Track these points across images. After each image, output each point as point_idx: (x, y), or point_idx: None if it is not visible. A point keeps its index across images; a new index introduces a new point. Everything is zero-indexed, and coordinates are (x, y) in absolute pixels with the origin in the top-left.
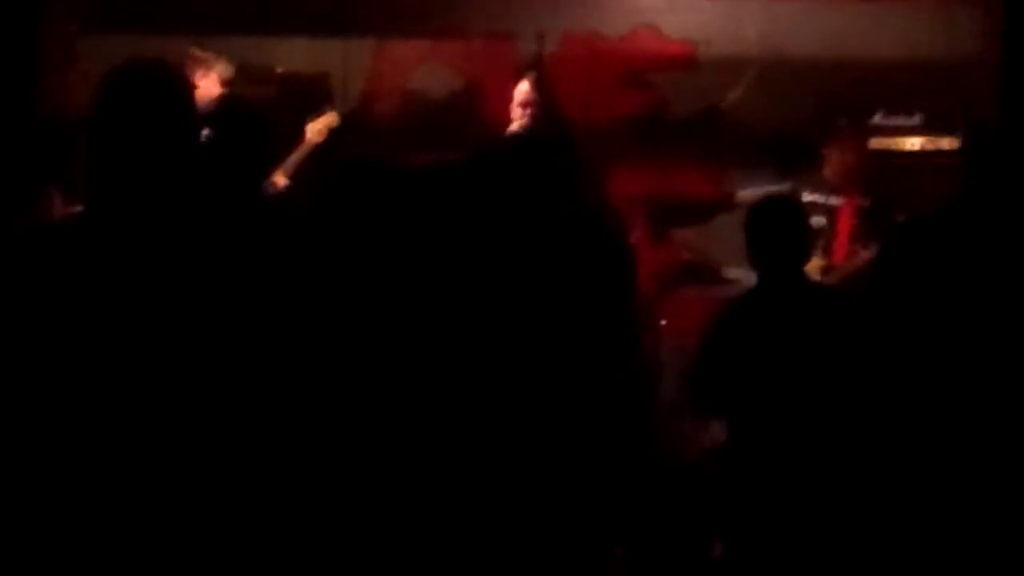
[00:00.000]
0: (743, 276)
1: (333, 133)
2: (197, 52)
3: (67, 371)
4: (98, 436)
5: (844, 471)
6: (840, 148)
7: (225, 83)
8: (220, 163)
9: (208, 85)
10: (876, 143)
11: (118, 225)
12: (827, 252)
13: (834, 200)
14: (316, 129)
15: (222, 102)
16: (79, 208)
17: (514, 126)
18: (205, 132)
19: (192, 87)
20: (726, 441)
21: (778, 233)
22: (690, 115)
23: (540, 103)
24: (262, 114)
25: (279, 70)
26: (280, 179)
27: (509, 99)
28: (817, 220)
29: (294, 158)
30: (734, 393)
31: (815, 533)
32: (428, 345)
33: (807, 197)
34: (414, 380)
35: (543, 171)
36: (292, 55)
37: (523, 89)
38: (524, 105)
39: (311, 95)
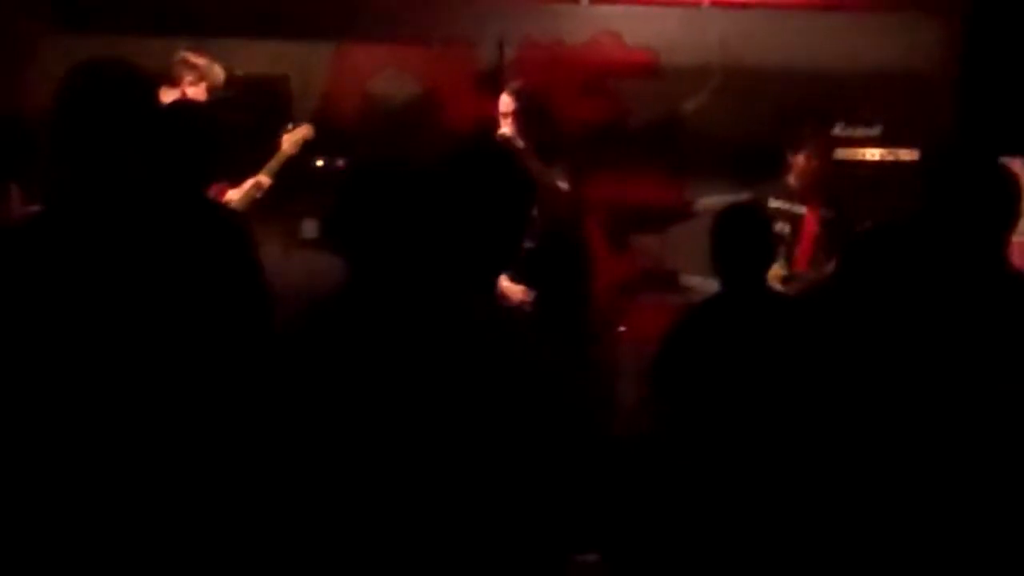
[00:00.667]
0: (701, 284)
1: (307, 144)
2: (191, 57)
3: (17, 367)
4: (45, 432)
5: (798, 477)
6: (806, 156)
7: (212, 91)
8: (165, 166)
9: (199, 92)
10: (836, 153)
11: (76, 224)
12: (789, 260)
13: (799, 208)
14: (292, 141)
15: (169, 106)
16: (37, 207)
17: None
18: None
19: (154, 87)
20: (676, 442)
21: (743, 241)
22: (650, 123)
23: (520, 113)
24: (209, 117)
25: (238, 72)
26: (264, 179)
27: (467, 105)
28: (781, 227)
29: (271, 165)
30: (692, 397)
31: (772, 539)
32: (400, 343)
33: (773, 203)
34: (375, 381)
35: (500, 176)
36: (251, 58)
37: (504, 100)
38: (504, 116)
39: (270, 98)
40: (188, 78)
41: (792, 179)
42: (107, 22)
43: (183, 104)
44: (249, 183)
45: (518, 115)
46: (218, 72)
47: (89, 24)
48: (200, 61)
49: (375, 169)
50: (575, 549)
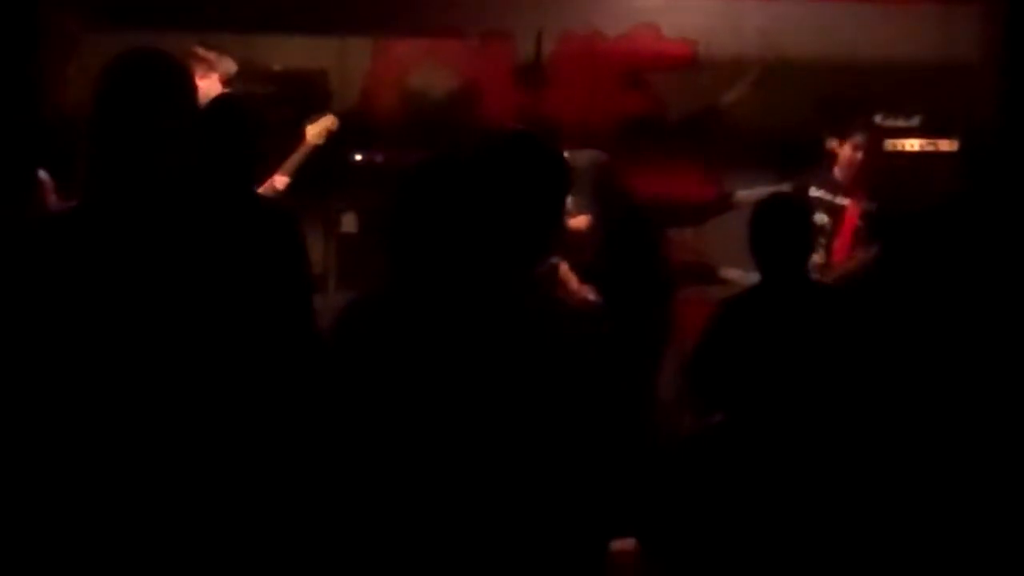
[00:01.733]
0: (741, 277)
1: (332, 135)
2: (200, 51)
3: (60, 362)
4: (89, 429)
5: (843, 468)
6: (852, 147)
7: (227, 82)
8: (212, 161)
9: (210, 84)
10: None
11: (114, 218)
12: (828, 251)
13: (840, 199)
14: (315, 131)
15: (215, 100)
16: (73, 203)
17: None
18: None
19: (192, 78)
20: (718, 432)
21: (783, 231)
22: (688, 115)
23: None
24: (256, 112)
25: (276, 68)
26: (280, 180)
27: (506, 98)
28: (820, 217)
29: (294, 159)
30: (734, 389)
31: (812, 530)
32: (439, 336)
33: (814, 192)
34: (411, 374)
35: (535, 165)
36: (289, 53)
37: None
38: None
39: (308, 93)
40: (199, 71)
41: (837, 170)
42: (148, 19)
43: (229, 97)
44: (264, 187)
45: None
46: (228, 63)
47: (129, 21)
48: (209, 54)
49: (431, 168)
50: (613, 535)
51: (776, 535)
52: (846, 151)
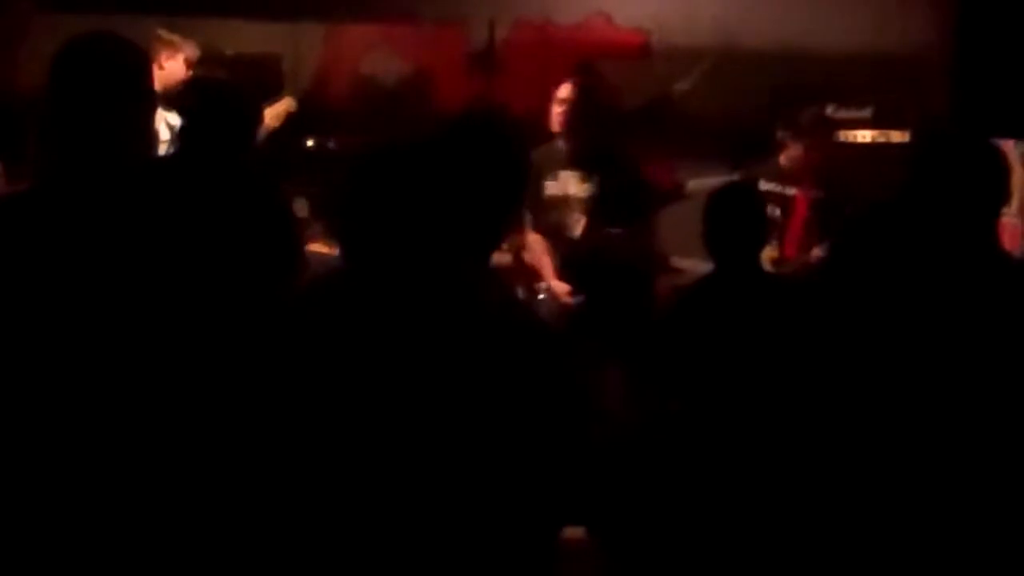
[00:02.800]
0: (692, 266)
1: (290, 118)
2: (164, 34)
3: (16, 348)
4: (50, 417)
5: (793, 459)
6: (802, 139)
7: (191, 66)
8: (198, 144)
9: (174, 67)
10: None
11: (66, 201)
12: (780, 243)
13: (790, 190)
14: (273, 114)
15: (190, 85)
16: (24, 185)
17: (553, 124)
18: (176, 116)
19: (148, 61)
20: (669, 422)
21: (736, 221)
22: (641, 104)
23: (577, 104)
24: (233, 91)
25: (229, 53)
26: None
27: (459, 85)
28: (771, 209)
29: None
30: (685, 379)
31: (761, 520)
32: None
33: (764, 186)
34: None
35: (492, 151)
36: (242, 38)
37: (564, 88)
38: (560, 102)
39: (262, 78)
40: (164, 53)
41: (784, 161)
42: (99, 2)
43: (204, 82)
44: None
45: (575, 106)
46: (191, 47)
47: (80, 4)
48: (173, 37)
49: (381, 154)
50: (564, 524)
51: (726, 525)
52: (796, 146)
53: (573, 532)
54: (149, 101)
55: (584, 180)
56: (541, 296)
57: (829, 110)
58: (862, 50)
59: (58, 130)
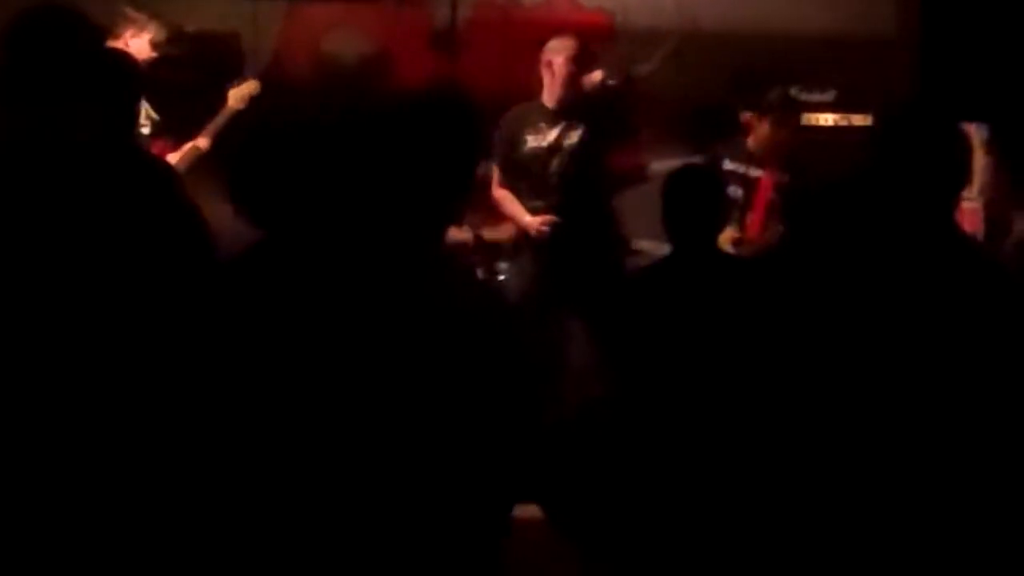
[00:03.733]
0: (653, 248)
1: (253, 100)
2: (130, 12)
3: None
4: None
5: (744, 440)
6: (769, 121)
7: (157, 45)
8: (87, 114)
9: (139, 45)
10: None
11: (31, 174)
12: (741, 224)
13: (754, 172)
14: (238, 96)
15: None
16: None
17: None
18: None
19: (100, 33)
20: (623, 401)
21: (693, 202)
22: (604, 85)
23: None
24: (128, 64)
25: (188, 29)
26: (202, 142)
27: (420, 64)
28: (734, 190)
29: (216, 122)
30: (642, 359)
31: (714, 501)
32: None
33: (727, 166)
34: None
35: (444, 128)
36: (202, 14)
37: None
38: (561, 54)
39: (221, 55)
40: (129, 31)
41: (751, 142)
42: None
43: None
44: (187, 146)
45: (577, 56)
46: (157, 26)
47: None
48: (139, 15)
49: (275, 124)
50: (517, 501)
51: (679, 506)
52: (763, 127)
53: (528, 510)
54: (93, 72)
55: (570, 129)
56: (501, 277)
57: (792, 92)
58: (825, 32)
59: (8, 105)
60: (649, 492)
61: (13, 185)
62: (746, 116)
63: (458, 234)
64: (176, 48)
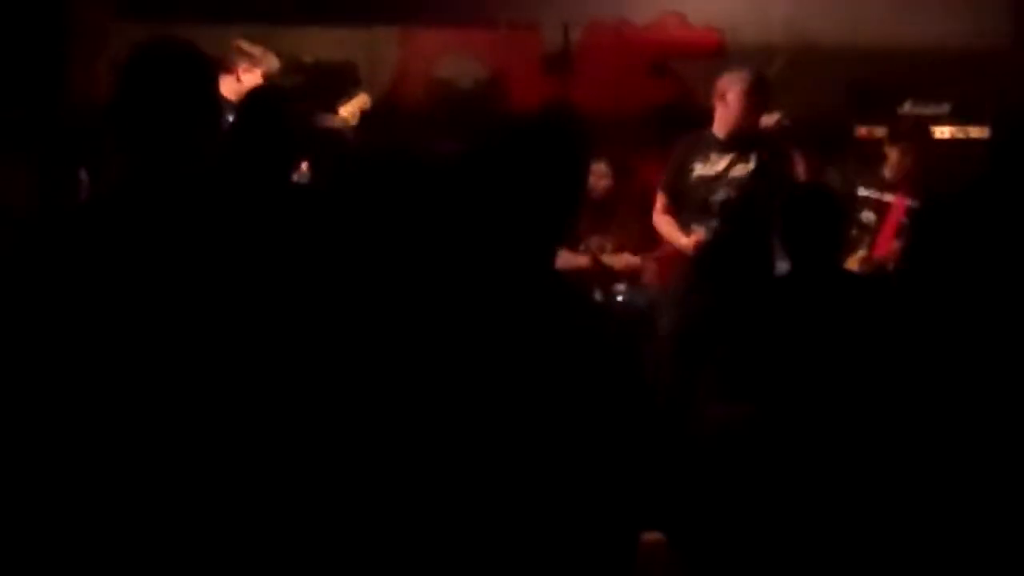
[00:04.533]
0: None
1: (365, 116)
2: (244, 45)
3: (88, 354)
4: (119, 416)
5: (872, 462)
6: (900, 150)
7: (268, 77)
8: (244, 150)
9: (254, 79)
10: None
11: (141, 207)
12: (870, 245)
13: (887, 197)
14: (348, 112)
15: (251, 91)
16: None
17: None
18: (230, 118)
19: (213, 68)
20: (747, 424)
21: (813, 220)
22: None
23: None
24: (289, 102)
25: (307, 60)
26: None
27: (534, 88)
28: (867, 216)
29: None
30: (763, 379)
31: (839, 525)
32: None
33: (862, 192)
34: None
35: (546, 150)
36: (319, 44)
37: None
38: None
39: (338, 84)
40: (243, 65)
41: (887, 171)
42: (177, 11)
43: (263, 89)
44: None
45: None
46: (272, 60)
47: (158, 13)
48: (254, 49)
49: (384, 159)
50: (642, 527)
51: (802, 529)
52: (894, 154)
53: (652, 536)
54: (213, 108)
55: (740, 160)
56: (620, 297)
57: (906, 106)
58: (938, 45)
59: (126, 139)
60: (774, 513)
61: (136, 222)
62: (886, 148)
63: (577, 259)
64: (293, 78)
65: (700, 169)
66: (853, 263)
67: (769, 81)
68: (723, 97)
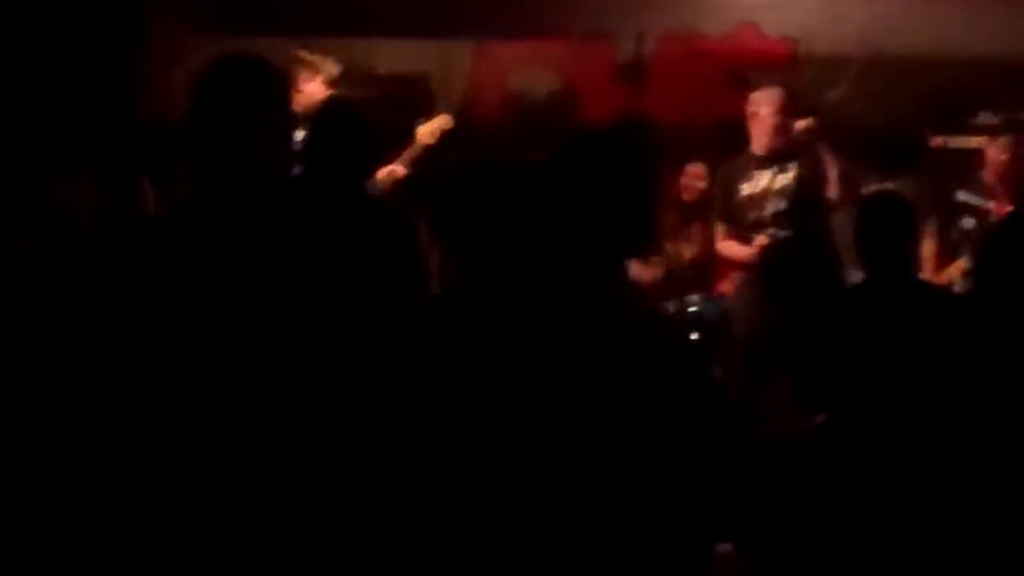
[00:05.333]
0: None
1: (445, 135)
2: (304, 55)
3: (174, 359)
4: (203, 417)
5: (949, 471)
6: (999, 150)
7: (331, 85)
8: (320, 162)
9: (315, 87)
10: (978, 142)
11: (216, 220)
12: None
13: (987, 203)
14: (427, 131)
15: (324, 103)
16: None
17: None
18: (303, 132)
19: (287, 82)
20: (821, 432)
21: (887, 229)
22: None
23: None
24: (363, 115)
25: (380, 71)
26: (399, 169)
27: (608, 99)
28: (968, 221)
29: (407, 155)
30: (836, 389)
31: (916, 534)
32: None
33: (961, 197)
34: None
35: (616, 160)
36: (392, 57)
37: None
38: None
39: (412, 96)
40: (303, 75)
41: (986, 173)
42: (252, 23)
43: (337, 102)
44: (384, 171)
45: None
46: (331, 65)
47: (234, 26)
48: (313, 57)
49: (481, 168)
50: (717, 539)
51: (879, 540)
52: (993, 153)
53: (723, 548)
54: (287, 123)
55: (781, 172)
56: (692, 308)
57: (981, 116)
58: (1010, 54)
59: (198, 151)
60: (849, 525)
61: (218, 232)
62: (987, 150)
63: (649, 272)
64: (368, 90)
65: (747, 189)
66: (955, 270)
67: (796, 92)
68: (755, 116)
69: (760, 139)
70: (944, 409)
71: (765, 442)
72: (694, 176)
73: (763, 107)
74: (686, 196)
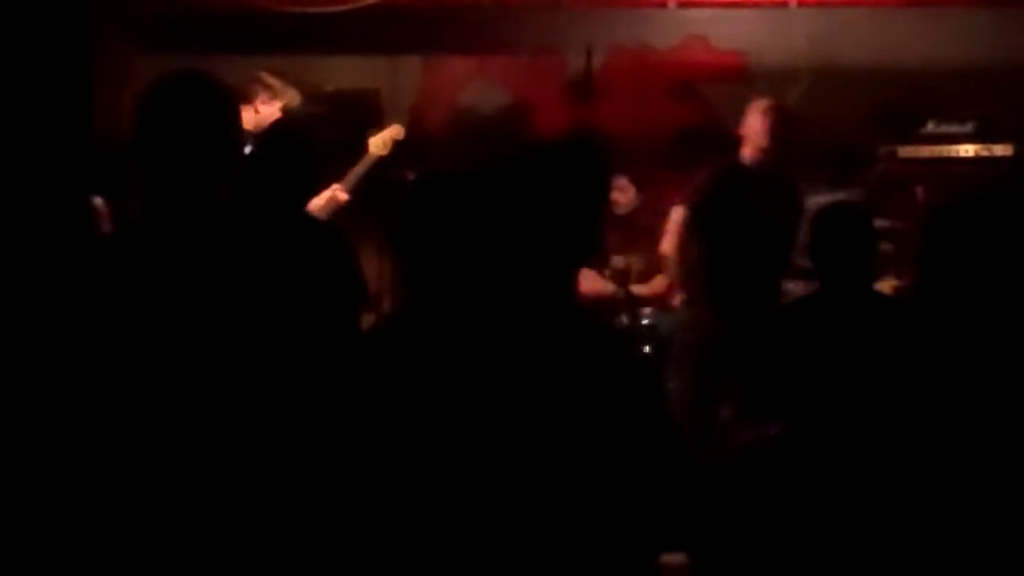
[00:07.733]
0: (793, 288)
1: (397, 145)
2: (267, 77)
3: (103, 382)
4: (127, 439)
5: (906, 483)
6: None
7: (287, 110)
8: (261, 182)
9: (271, 111)
10: (928, 151)
11: (161, 239)
12: (899, 274)
13: (900, 225)
14: (379, 142)
15: (272, 123)
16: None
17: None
18: (248, 150)
19: (233, 99)
20: (777, 442)
21: (843, 239)
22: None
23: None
24: (309, 135)
25: (328, 88)
26: (341, 194)
27: (557, 114)
28: (884, 247)
29: (356, 171)
30: (791, 399)
31: (872, 547)
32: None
33: (879, 224)
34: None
35: (579, 177)
36: (341, 73)
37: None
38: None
39: (361, 112)
40: (262, 97)
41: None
42: (200, 43)
43: (282, 121)
44: (325, 194)
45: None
46: (293, 93)
47: (181, 45)
48: (275, 81)
49: (439, 181)
50: (663, 549)
51: (834, 549)
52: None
53: (672, 558)
54: (233, 140)
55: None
56: (645, 321)
57: (929, 126)
58: (960, 64)
59: (145, 171)
60: (804, 536)
61: (161, 252)
62: (884, 151)
63: (604, 285)
64: (315, 108)
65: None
66: (887, 287)
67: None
68: (748, 127)
69: (750, 150)
70: (900, 419)
71: (719, 452)
72: (619, 189)
73: (755, 119)
74: (615, 210)
